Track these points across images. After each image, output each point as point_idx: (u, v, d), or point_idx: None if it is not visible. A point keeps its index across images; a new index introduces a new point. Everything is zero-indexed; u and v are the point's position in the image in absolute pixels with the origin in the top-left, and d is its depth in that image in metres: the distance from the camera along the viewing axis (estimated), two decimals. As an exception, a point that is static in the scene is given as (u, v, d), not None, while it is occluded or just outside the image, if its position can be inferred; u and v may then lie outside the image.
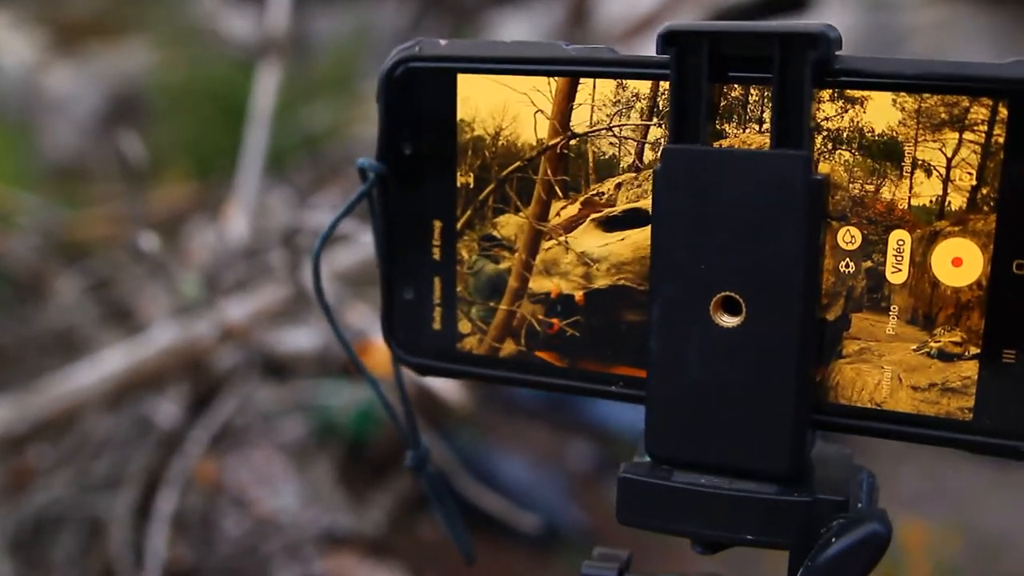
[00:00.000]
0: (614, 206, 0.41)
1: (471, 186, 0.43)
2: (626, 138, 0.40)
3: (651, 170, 0.40)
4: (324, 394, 1.48)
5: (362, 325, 1.16)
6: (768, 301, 0.37)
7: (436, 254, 0.44)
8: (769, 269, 0.37)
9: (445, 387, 1.34)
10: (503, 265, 0.43)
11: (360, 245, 1.44)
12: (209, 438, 1.33)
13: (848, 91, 0.37)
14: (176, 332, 1.31)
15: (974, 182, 0.37)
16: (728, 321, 0.38)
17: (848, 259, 0.38)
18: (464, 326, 0.44)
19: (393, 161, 0.43)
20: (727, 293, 0.38)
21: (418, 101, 0.43)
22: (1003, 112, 0.36)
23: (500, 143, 0.42)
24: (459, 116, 0.42)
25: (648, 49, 0.39)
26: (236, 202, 1.49)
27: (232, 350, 1.37)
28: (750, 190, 0.37)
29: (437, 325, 0.45)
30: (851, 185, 0.38)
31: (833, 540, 0.38)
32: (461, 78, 0.42)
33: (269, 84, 1.56)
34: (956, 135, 0.36)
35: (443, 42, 0.42)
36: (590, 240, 0.41)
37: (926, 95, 0.36)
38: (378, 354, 1.25)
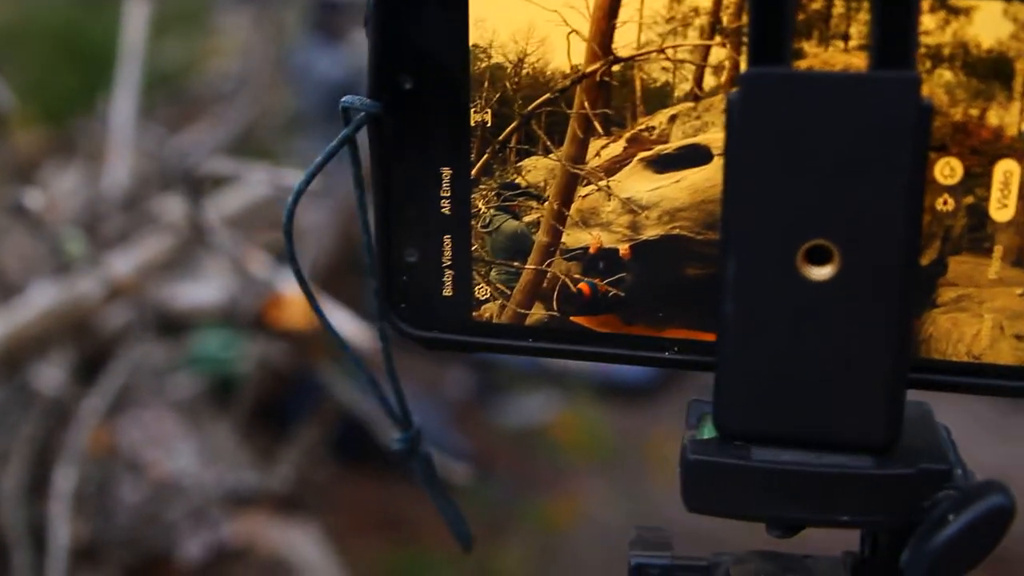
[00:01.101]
0: (667, 142, 0.35)
1: (489, 125, 0.36)
2: (682, 61, 0.34)
3: (712, 99, 0.34)
4: (220, 346, 1.39)
5: (265, 275, 1.08)
6: (865, 248, 0.32)
7: (446, 208, 0.37)
8: (867, 211, 0.31)
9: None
10: (530, 217, 0.36)
11: (249, 185, 1.35)
12: (104, 406, 1.23)
13: (951, 0, 0.32)
14: (56, 292, 1.21)
15: None
16: (818, 273, 0.32)
17: (947, 195, 0.33)
18: (482, 291, 0.38)
19: (390, 98, 0.36)
20: (816, 241, 0.32)
21: (419, 24, 0.35)
22: None
23: (524, 72, 0.35)
24: (472, 41, 0.35)
25: None
26: (111, 145, 1.38)
27: (122, 308, 1.27)
28: (847, 119, 0.31)
29: (448, 291, 0.38)
30: (952, 110, 0.32)
31: (950, 518, 0.33)
32: None
33: (139, 19, 1.44)
34: None
35: None
36: (638, 184, 0.35)
37: None
38: (290, 307, 1.18)
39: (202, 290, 1.22)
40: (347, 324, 1.05)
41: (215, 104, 2.62)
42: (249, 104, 2.23)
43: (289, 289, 1.06)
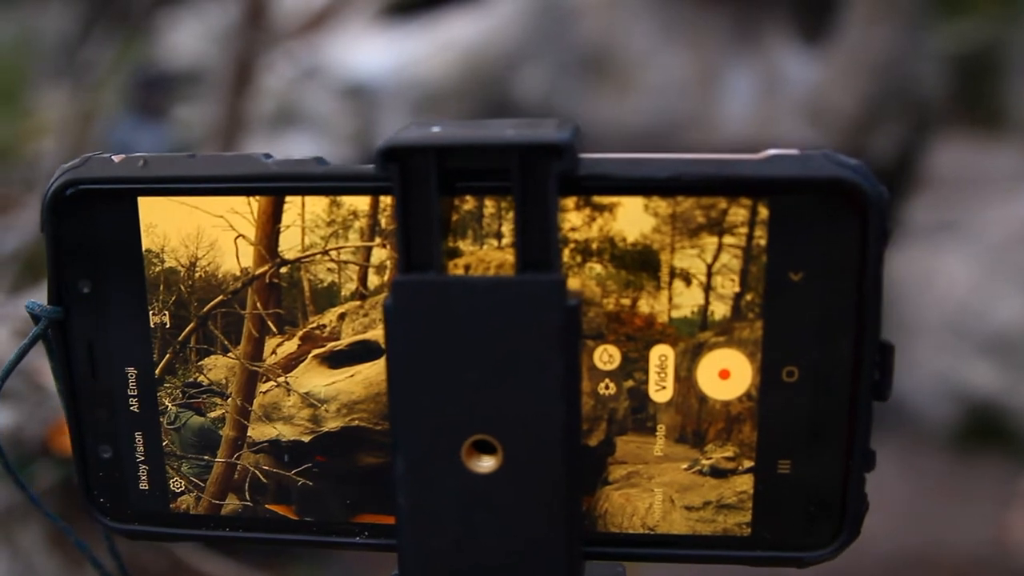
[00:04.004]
0: (339, 339, 0.35)
1: (168, 326, 0.36)
2: (346, 262, 0.35)
3: (377, 297, 0.35)
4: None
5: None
6: (526, 440, 0.33)
7: (134, 406, 0.37)
8: (524, 406, 0.32)
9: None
10: (215, 413, 0.37)
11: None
12: None
13: (596, 197, 0.33)
14: None
15: (737, 288, 0.33)
16: (483, 466, 0.33)
17: (608, 380, 0.35)
18: (177, 484, 0.38)
19: (70, 302, 0.36)
20: (480, 436, 0.33)
21: (93, 230, 0.35)
22: (763, 212, 0.33)
23: (197, 275, 0.35)
24: (145, 246, 0.35)
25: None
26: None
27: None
28: (497, 321, 0.32)
29: (144, 485, 0.38)
30: (605, 300, 0.34)
31: None
32: (143, 201, 0.35)
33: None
34: (715, 239, 0.33)
35: (117, 159, 0.35)
36: (315, 379, 0.36)
37: (680, 198, 0.33)
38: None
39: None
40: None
41: (35, 187, 2.55)
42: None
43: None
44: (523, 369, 0.32)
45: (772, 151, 0.33)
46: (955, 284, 4.12)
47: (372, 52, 4.41)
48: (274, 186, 0.34)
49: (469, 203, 0.33)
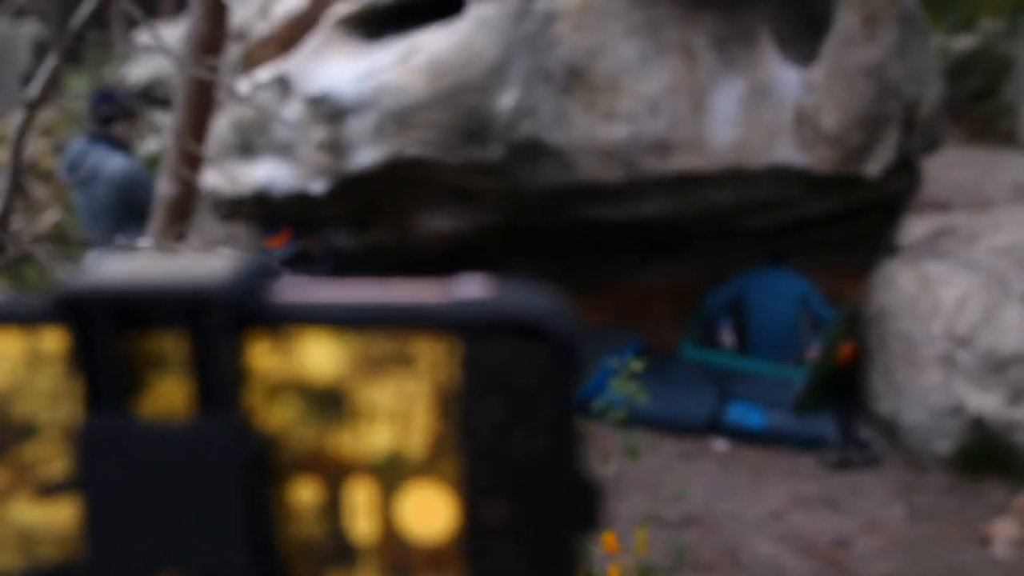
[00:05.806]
0: (47, 471, 0.35)
1: None
2: (48, 396, 0.35)
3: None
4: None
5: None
6: None
7: None
8: (212, 546, 0.33)
9: None
10: None
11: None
12: None
13: (284, 334, 0.33)
14: None
15: (432, 425, 0.33)
16: None
17: (308, 517, 0.34)
18: None
19: None
20: (169, 574, 0.33)
21: None
22: (454, 350, 0.33)
23: None
24: None
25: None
26: None
27: None
28: (180, 462, 0.32)
29: None
30: (300, 437, 0.34)
31: None
32: None
33: None
34: (407, 376, 0.33)
35: None
36: (27, 510, 0.36)
37: (370, 335, 0.33)
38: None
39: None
40: None
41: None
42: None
43: None
44: (208, 510, 0.32)
45: (464, 288, 0.33)
46: (954, 303, 4.09)
47: (341, 67, 4.36)
48: None
49: (158, 341, 0.33)
